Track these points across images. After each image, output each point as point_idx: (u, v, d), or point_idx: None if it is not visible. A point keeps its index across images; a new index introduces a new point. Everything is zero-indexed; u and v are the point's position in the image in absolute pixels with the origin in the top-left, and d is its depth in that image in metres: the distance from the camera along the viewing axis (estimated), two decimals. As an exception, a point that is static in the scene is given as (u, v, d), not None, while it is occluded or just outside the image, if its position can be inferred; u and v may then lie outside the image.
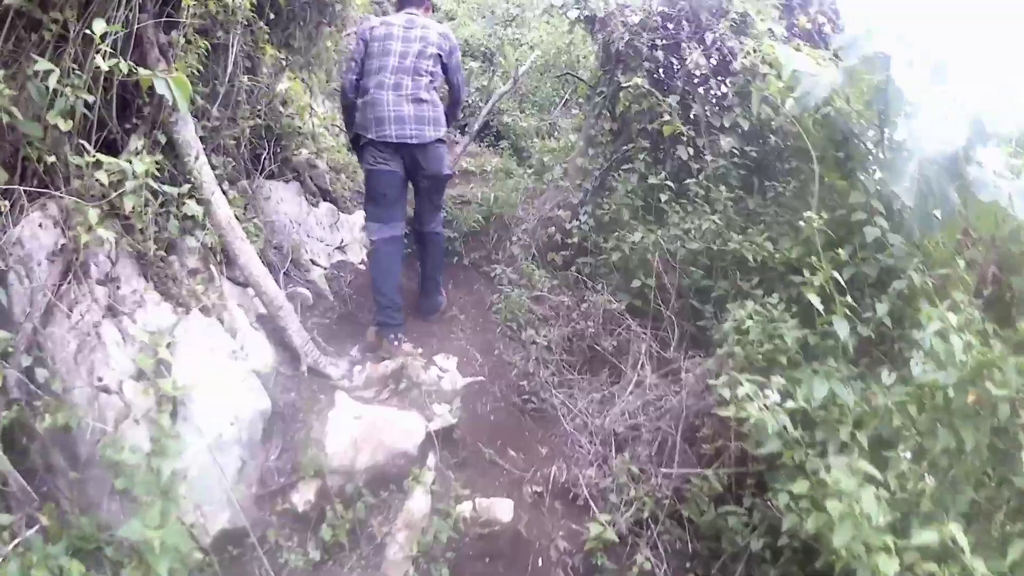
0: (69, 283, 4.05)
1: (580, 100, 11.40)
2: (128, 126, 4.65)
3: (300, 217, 6.09)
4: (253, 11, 5.53)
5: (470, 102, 9.73)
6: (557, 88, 11.47)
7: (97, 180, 3.95)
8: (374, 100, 5.25)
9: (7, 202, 3.86)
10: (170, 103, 4.18)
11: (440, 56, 5.47)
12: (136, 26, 4.47)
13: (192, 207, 4.42)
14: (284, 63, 6.55)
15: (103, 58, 3.89)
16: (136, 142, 4.47)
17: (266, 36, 5.80)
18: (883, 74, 4.52)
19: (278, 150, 6.04)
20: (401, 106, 5.21)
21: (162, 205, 4.46)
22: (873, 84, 4.74)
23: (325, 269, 6.07)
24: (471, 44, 12.01)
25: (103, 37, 3.88)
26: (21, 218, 4.01)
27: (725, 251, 5.34)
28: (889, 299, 4.32)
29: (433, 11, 6.77)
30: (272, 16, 5.99)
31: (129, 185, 3.99)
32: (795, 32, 7.09)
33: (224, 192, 5.02)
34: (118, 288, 4.24)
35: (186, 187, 4.49)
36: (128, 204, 4.00)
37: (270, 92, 5.83)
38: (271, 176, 5.93)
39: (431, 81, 5.38)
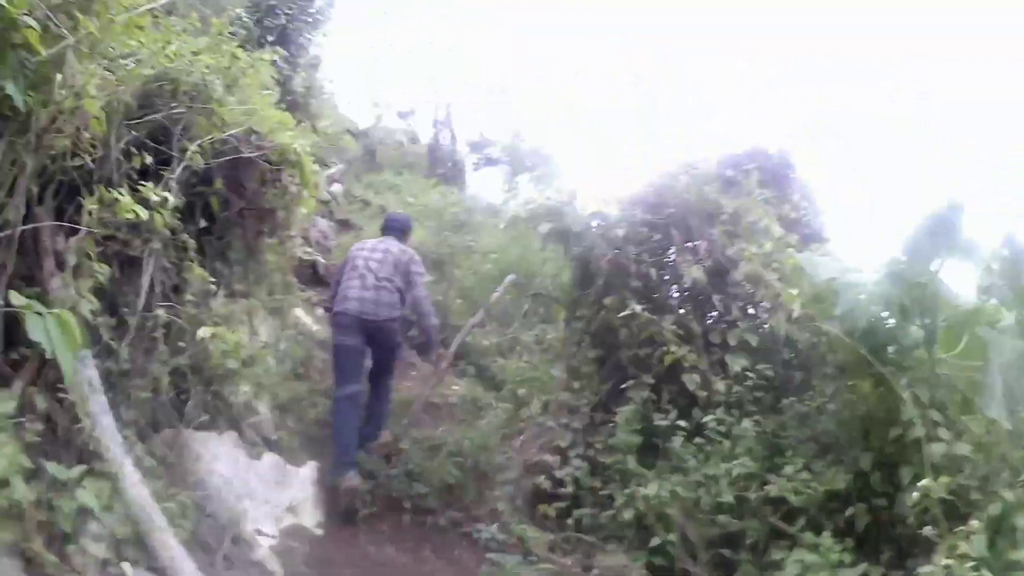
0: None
1: (540, 310, 10.66)
2: (16, 356, 3.52)
3: (239, 476, 4.82)
4: (180, 218, 4.52)
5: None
6: (515, 299, 10.65)
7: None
8: (345, 287, 6.26)
9: None
10: (48, 354, 2.95)
11: (397, 266, 6.38)
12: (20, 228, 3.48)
13: (87, 496, 3.18)
14: (217, 284, 5.52)
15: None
16: (13, 393, 3.31)
17: (195, 250, 4.81)
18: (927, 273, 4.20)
19: (208, 396, 4.88)
20: (364, 292, 6.18)
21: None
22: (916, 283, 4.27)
23: (274, 539, 4.77)
24: (421, 251, 11.19)
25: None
26: None
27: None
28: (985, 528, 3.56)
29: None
30: (204, 223, 5.05)
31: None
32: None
33: (138, 458, 3.84)
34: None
35: (79, 470, 3.27)
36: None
37: (198, 321, 4.72)
38: (200, 427, 4.75)
39: (390, 281, 6.28)
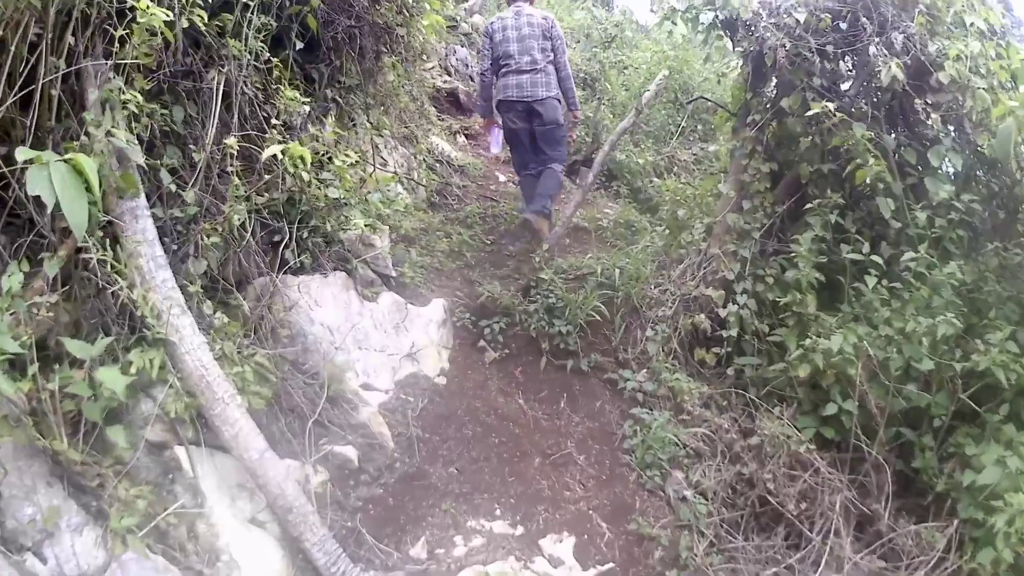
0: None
1: (699, 127, 9.66)
2: (65, 225, 2.99)
3: (348, 321, 4.29)
4: (262, 41, 3.92)
5: (575, 137, 7.91)
6: (672, 115, 9.66)
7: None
8: (504, 74, 6.48)
9: None
10: (48, 210, 2.33)
11: (545, 34, 6.50)
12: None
13: (108, 376, 2.60)
14: (324, 111, 4.86)
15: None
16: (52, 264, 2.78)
17: (283, 73, 4.20)
18: None
19: (306, 233, 4.27)
20: (521, 78, 6.41)
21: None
22: None
23: (386, 394, 4.23)
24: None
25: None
26: None
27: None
28: None
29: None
30: (300, 46, 4.37)
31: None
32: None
33: (205, 316, 3.29)
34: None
35: (104, 343, 2.71)
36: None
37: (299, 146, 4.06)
38: (300, 270, 4.17)
39: (544, 56, 6.47)
